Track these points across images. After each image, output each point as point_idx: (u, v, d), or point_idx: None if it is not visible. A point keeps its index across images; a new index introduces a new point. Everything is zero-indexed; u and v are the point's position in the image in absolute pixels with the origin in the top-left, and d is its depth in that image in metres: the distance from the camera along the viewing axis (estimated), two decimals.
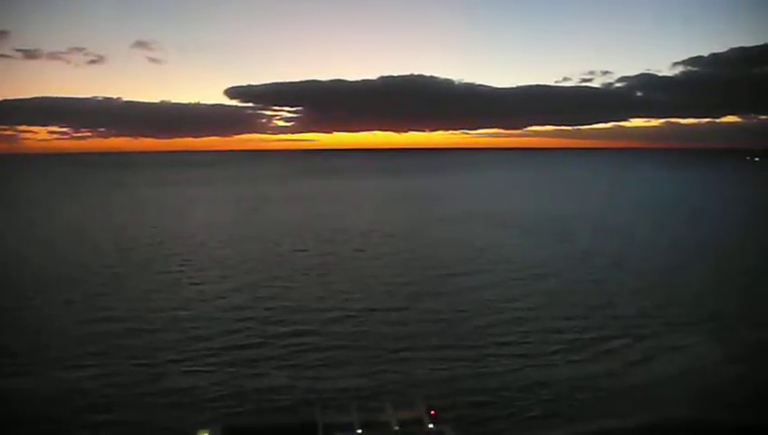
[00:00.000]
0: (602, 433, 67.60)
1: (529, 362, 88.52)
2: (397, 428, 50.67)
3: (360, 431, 49.44)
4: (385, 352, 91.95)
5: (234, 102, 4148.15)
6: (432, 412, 54.36)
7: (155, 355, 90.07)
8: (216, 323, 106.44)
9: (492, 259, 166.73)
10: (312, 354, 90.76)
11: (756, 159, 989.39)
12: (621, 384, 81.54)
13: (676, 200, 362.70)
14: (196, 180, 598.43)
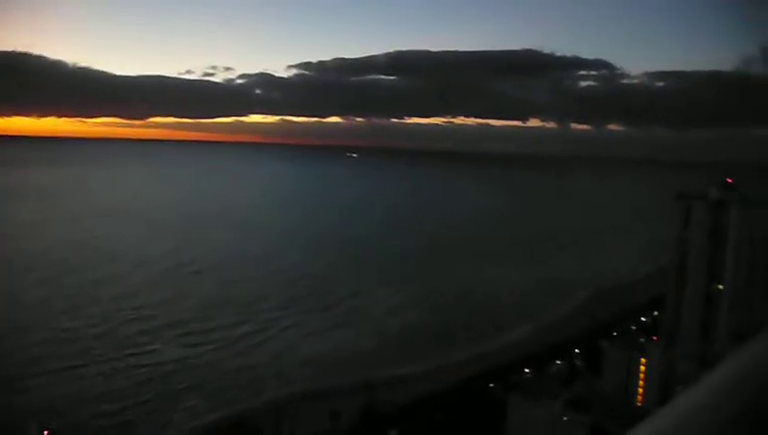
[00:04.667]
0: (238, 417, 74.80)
1: (162, 370, 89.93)
2: None
3: None
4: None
5: None
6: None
7: None
8: None
9: (125, 261, 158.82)
10: None
11: (354, 155, 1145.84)
12: (258, 373, 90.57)
13: (297, 194, 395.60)
14: None
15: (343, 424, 77.95)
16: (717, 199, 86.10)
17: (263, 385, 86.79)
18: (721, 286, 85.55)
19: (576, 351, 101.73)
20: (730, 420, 2.69)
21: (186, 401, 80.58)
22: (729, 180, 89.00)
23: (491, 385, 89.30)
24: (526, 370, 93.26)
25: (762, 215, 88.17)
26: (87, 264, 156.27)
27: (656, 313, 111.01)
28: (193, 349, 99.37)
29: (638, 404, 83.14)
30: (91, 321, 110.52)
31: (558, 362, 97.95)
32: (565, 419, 68.50)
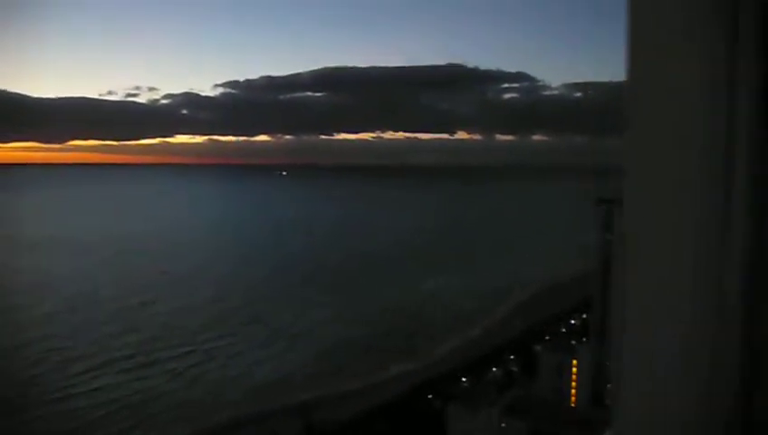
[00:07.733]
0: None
1: (103, 411, 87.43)
2: None
3: None
4: None
5: None
6: None
7: None
8: None
9: (55, 298, 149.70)
10: None
11: (284, 173, 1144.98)
12: (205, 404, 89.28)
13: (227, 215, 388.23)
14: None
15: None
16: None
17: (208, 415, 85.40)
18: None
19: (511, 357, 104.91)
20: None
21: None
22: None
23: (429, 396, 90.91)
24: (464, 379, 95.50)
25: None
26: (12, 304, 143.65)
27: (584, 315, 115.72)
28: (137, 383, 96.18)
29: (572, 405, 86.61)
30: (22, 365, 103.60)
31: (494, 368, 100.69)
32: (503, 425, 70.78)
